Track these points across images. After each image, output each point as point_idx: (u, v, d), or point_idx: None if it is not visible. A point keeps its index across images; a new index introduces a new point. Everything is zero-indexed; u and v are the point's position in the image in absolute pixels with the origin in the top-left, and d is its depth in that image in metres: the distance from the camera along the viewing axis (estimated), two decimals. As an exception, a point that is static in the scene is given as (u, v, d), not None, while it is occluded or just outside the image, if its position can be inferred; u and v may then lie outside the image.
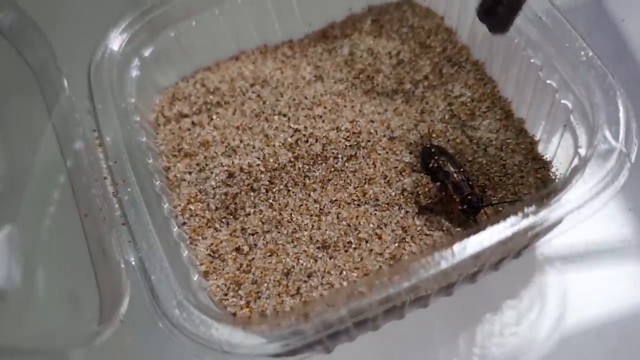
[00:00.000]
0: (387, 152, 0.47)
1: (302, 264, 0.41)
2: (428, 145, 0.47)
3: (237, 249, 0.43)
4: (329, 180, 0.46)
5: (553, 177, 0.45)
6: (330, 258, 0.41)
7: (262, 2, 0.54)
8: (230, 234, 0.44)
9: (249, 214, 0.44)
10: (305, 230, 0.43)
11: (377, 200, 0.44)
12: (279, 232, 0.43)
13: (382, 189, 0.45)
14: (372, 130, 0.48)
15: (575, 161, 0.42)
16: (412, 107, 0.50)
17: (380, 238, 0.42)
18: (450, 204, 0.44)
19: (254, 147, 0.48)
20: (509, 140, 0.47)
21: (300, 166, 0.46)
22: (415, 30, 0.55)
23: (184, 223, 0.44)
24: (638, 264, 0.47)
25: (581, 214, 0.37)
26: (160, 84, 0.53)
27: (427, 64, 0.53)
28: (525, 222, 0.35)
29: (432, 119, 0.49)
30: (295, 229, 0.43)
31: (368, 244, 0.42)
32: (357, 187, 0.45)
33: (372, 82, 0.52)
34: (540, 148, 0.47)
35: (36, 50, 0.47)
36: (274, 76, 0.53)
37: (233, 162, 0.47)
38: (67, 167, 0.43)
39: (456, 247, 0.34)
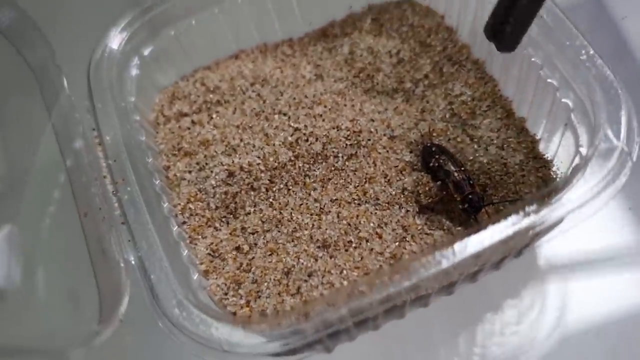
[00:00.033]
0: (387, 151, 0.47)
1: (302, 263, 0.41)
2: (429, 144, 0.47)
3: (237, 248, 0.43)
4: (330, 179, 0.45)
5: (554, 176, 0.45)
6: (331, 257, 0.41)
7: (262, 1, 0.54)
8: (230, 233, 0.43)
9: (249, 213, 0.44)
10: (306, 230, 0.43)
11: (378, 199, 0.44)
12: (279, 231, 0.43)
13: (383, 188, 0.45)
14: (372, 129, 0.48)
15: (577, 160, 0.42)
16: (412, 106, 0.50)
17: (380, 237, 0.42)
18: (451, 203, 0.44)
19: (254, 146, 0.48)
20: (509, 139, 0.47)
21: (300, 165, 0.46)
22: (416, 29, 0.55)
23: (184, 222, 0.44)
24: (638, 264, 0.47)
25: (582, 213, 0.37)
26: (160, 83, 0.53)
27: (428, 63, 0.53)
28: (526, 221, 0.35)
29: (432, 118, 0.49)
30: (295, 228, 0.43)
31: (368, 243, 0.42)
32: (358, 186, 0.45)
33: (372, 81, 0.52)
34: (541, 147, 0.47)
35: (36, 50, 0.47)
36: (274, 75, 0.53)
37: (233, 161, 0.47)
38: (66, 166, 0.43)
39: (457, 246, 0.34)
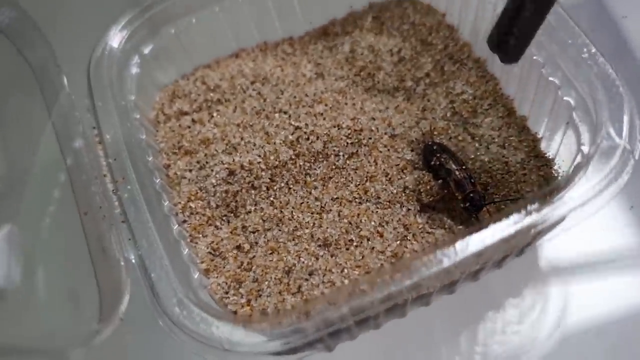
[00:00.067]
0: (388, 150, 0.47)
1: (303, 262, 0.41)
2: (430, 143, 0.47)
3: (238, 247, 0.42)
4: (330, 178, 0.45)
5: (555, 175, 0.45)
6: (332, 256, 0.41)
7: (263, 0, 0.54)
8: (230, 232, 0.43)
9: (250, 212, 0.44)
10: (307, 228, 0.43)
11: (379, 198, 0.44)
12: (280, 230, 0.43)
13: (384, 186, 0.45)
14: (373, 128, 0.48)
15: (578, 158, 0.41)
16: (413, 105, 0.50)
17: (381, 236, 0.42)
18: (452, 202, 0.44)
19: (254, 145, 0.48)
20: (511, 138, 0.47)
21: (301, 164, 0.46)
22: (417, 27, 0.55)
23: (185, 221, 0.44)
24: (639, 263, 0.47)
25: (584, 211, 0.37)
26: (160, 82, 0.53)
27: (429, 62, 0.52)
28: (528, 220, 0.35)
29: (433, 117, 0.49)
30: (296, 226, 0.43)
31: (369, 242, 0.42)
32: (359, 184, 0.45)
33: (373, 80, 0.52)
34: (542, 145, 0.47)
35: (36, 49, 0.47)
36: (275, 74, 0.53)
37: (234, 160, 0.47)
38: (66, 165, 0.43)
39: (458, 245, 0.34)
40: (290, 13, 0.55)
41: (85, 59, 0.47)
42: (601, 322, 0.44)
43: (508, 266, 0.43)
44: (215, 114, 0.50)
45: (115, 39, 0.48)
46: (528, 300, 0.45)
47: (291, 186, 0.45)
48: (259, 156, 0.47)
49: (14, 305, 0.40)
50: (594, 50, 0.42)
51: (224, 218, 0.44)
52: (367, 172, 0.45)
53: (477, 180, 0.44)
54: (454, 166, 0.44)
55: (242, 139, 0.48)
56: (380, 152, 0.47)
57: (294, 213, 0.44)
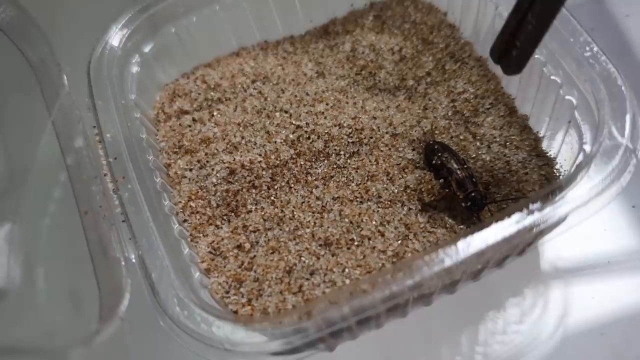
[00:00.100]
0: (389, 149, 0.47)
1: (304, 262, 0.41)
2: (431, 142, 0.46)
3: (239, 247, 0.42)
4: (331, 177, 0.45)
5: (557, 174, 0.45)
6: (333, 255, 0.41)
7: (263, -2, 0.54)
8: (231, 231, 0.43)
9: (251, 211, 0.44)
10: (308, 228, 0.43)
11: (380, 197, 0.44)
12: (280, 230, 0.43)
13: (385, 186, 0.44)
14: (374, 127, 0.48)
15: (580, 158, 0.41)
16: (414, 104, 0.50)
17: (383, 235, 0.42)
18: (453, 201, 0.44)
19: (255, 144, 0.47)
20: (512, 137, 0.47)
21: (302, 163, 0.46)
22: (418, 26, 0.55)
23: (185, 220, 0.44)
24: (641, 262, 0.47)
25: (586, 211, 0.36)
26: (161, 80, 0.53)
27: (430, 60, 0.52)
28: (530, 219, 0.35)
29: (435, 116, 0.49)
30: (297, 226, 0.43)
31: (371, 242, 0.42)
32: (360, 184, 0.45)
33: (374, 79, 0.52)
34: (544, 144, 0.47)
35: (36, 47, 0.47)
36: (275, 72, 0.53)
37: (234, 159, 0.47)
38: (67, 164, 0.42)
39: (460, 244, 0.34)
40: (291, 12, 0.55)
41: (86, 57, 0.47)
42: (603, 322, 0.44)
43: (509, 266, 0.43)
44: (215, 113, 0.50)
45: (116, 37, 0.48)
46: (529, 300, 0.45)
47: (292, 185, 0.45)
48: (260, 155, 0.47)
49: (14, 305, 0.40)
50: (596, 48, 0.42)
51: (224, 217, 0.44)
52: (369, 172, 0.45)
53: (479, 180, 0.44)
54: (455, 165, 0.44)
55: (242, 138, 0.48)
56: (382, 151, 0.46)
57: (294, 212, 0.43)
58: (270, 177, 0.45)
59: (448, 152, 0.45)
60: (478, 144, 0.47)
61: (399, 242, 0.41)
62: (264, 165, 0.46)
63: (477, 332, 0.44)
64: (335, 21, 0.57)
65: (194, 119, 0.50)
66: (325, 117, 0.48)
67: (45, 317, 0.41)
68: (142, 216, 0.40)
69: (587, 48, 0.42)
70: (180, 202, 0.45)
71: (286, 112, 0.49)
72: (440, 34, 0.54)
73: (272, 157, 0.46)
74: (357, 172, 0.45)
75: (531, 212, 0.35)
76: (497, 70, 0.51)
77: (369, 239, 0.42)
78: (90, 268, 0.38)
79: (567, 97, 0.43)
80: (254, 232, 0.43)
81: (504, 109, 0.49)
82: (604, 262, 0.47)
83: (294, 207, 0.44)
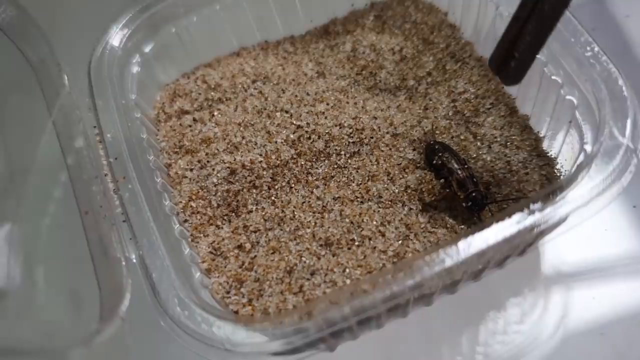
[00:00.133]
0: (390, 149, 0.46)
1: (305, 262, 0.41)
2: (432, 142, 0.46)
3: (239, 247, 0.42)
4: (332, 177, 0.45)
5: (558, 174, 0.45)
6: (334, 256, 0.41)
7: (264, -2, 0.54)
8: (232, 232, 0.43)
9: (251, 211, 0.44)
10: (308, 228, 0.43)
11: (381, 197, 0.44)
12: (281, 230, 0.43)
13: (386, 186, 0.44)
14: (375, 127, 0.48)
15: (581, 158, 0.41)
16: (415, 104, 0.50)
17: (383, 235, 0.42)
18: (454, 201, 0.44)
19: (256, 144, 0.47)
20: (513, 137, 0.47)
21: (302, 163, 0.46)
22: (419, 26, 0.55)
23: (186, 220, 0.44)
24: (642, 262, 0.47)
25: (586, 211, 0.36)
26: (161, 80, 0.53)
27: (431, 60, 0.52)
28: (530, 220, 0.35)
29: (435, 116, 0.49)
30: (297, 226, 0.43)
31: (371, 242, 0.41)
32: (360, 184, 0.45)
33: (374, 79, 0.52)
34: (545, 144, 0.47)
35: (36, 47, 0.47)
36: (276, 72, 0.52)
37: (235, 159, 0.47)
38: (67, 164, 0.42)
39: (460, 244, 0.34)
40: (291, 12, 0.55)
41: (86, 57, 0.47)
42: (603, 322, 0.44)
43: (510, 266, 0.43)
44: (216, 113, 0.50)
45: (116, 37, 0.48)
46: (530, 300, 0.45)
47: (293, 185, 0.45)
48: (261, 155, 0.47)
49: (14, 305, 0.40)
50: (597, 48, 0.42)
51: (225, 217, 0.44)
52: (369, 172, 0.45)
53: (479, 180, 0.44)
54: (455, 165, 0.44)
55: (243, 138, 0.48)
56: (382, 151, 0.46)
57: (295, 212, 0.43)
58: (270, 177, 0.45)
59: (449, 152, 0.45)
60: (479, 144, 0.47)
61: (400, 242, 0.41)
62: (264, 165, 0.46)
63: (478, 332, 0.44)
64: (336, 21, 0.57)
65: (194, 119, 0.50)
66: (325, 117, 0.48)
67: (46, 317, 0.41)
68: (142, 216, 0.40)
69: (588, 48, 0.42)
70: (181, 202, 0.45)
71: (287, 112, 0.49)
72: (440, 34, 0.54)
73: (273, 157, 0.46)
74: (357, 172, 0.45)
75: (532, 213, 0.35)
76: (498, 70, 0.51)
77: (370, 239, 0.42)
78: (90, 268, 0.38)
79: (568, 97, 0.43)
80: (255, 232, 0.43)
81: (504, 109, 0.49)
82: (604, 262, 0.47)
83: (294, 207, 0.44)
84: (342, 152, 0.46)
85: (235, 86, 0.52)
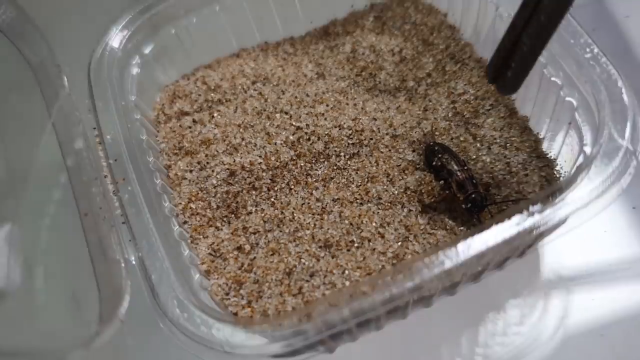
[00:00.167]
0: (390, 150, 0.46)
1: (304, 264, 0.41)
2: (431, 143, 0.46)
3: (239, 248, 0.42)
4: (332, 178, 0.45)
5: (557, 176, 0.45)
6: (333, 257, 0.41)
7: (264, -1, 0.54)
8: (231, 233, 0.43)
9: (251, 213, 0.44)
10: (307, 229, 0.43)
11: (380, 198, 0.44)
12: (280, 231, 0.43)
13: (385, 187, 0.44)
14: (374, 128, 0.48)
15: (580, 159, 0.41)
16: (415, 105, 0.50)
17: (383, 237, 0.42)
18: (453, 203, 0.44)
19: (255, 145, 0.47)
20: (513, 138, 0.47)
21: (302, 164, 0.46)
22: (418, 27, 0.55)
23: (185, 222, 0.44)
24: (642, 263, 0.47)
25: (586, 213, 0.36)
26: (161, 82, 0.53)
27: (430, 61, 0.52)
28: (530, 221, 0.35)
29: (435, 117, 0.49)
30: (297, 227, 0.43)
31: (371, 243, 0.41)
32: (360, 185, 0.45)
33: (374, 80, 0.52)
34: (544, 146, 0.47)
35: (35, 48, 0.47)
36: (276, 74, 0.52)
37: (234, 160, 0.47)
38: (67, 166, 0.42)
39: (460, 246, 0.34)
40: (291, 13, 0.55)
41: (86, 59, 0.47)
42: (603, 323, 0.44)
43: (509, 267, 0.43)
44: (216, 114, 0.50)
45: (116, 39, 0.48)
46: (529, 302, 0.45)
47: (292, 187, 0.45)
48: (260, 157, 0.47)
49: (13, 307, 0.40)
50: (596, 50, 0.42)
51: (224, 219, 0.44)
52: (369, 173, 0.45)
53: (479, 181, 0.44)
54: (455, 167, 0.44)
55: (243, 139, 0.48)
56: (382, 152, 0.46)
57: (294, 214, 0.43)
58: (270, 179, 0.45)
59: (448, 154, 0.45)
60: (478, 145, 0.47)
61: (399, 243, 0.41)
62: (264, 167, 0.46)
63: (477, 333, 0.44)
64: (336, 22, 0.57)
65: (194, 120, 0.50)
66: (325, 119, 0.48)
67: (46, 318, 0.41)
68: (142, 218, 0.40)
69: (588, 49, 0.42)
70: (181, 203, 0.45)
71: (286, 113, 0.49)
72: (440, 35, 0.54)
73: (272, 158, 0.46)
74: (357, 173, 0.45)
75: (531, 214, 0.35)
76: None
77: (369, 240, 0.42)
78: (90, 269, 0.38)
79: (568, 98, 0.43)
80: (254, 233, 0.43)
81: (504, 110, 0.49)
82: (604, 263, 0.47)
83: (294, 208, 0.44)
84: (342, 154, 0.46)
85: (235, 87, 0.52)
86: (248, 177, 0.46)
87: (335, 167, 0.46)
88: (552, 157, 0.46)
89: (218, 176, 0.46)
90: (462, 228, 0.43)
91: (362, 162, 0.46)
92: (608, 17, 0.60)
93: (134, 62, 0.50)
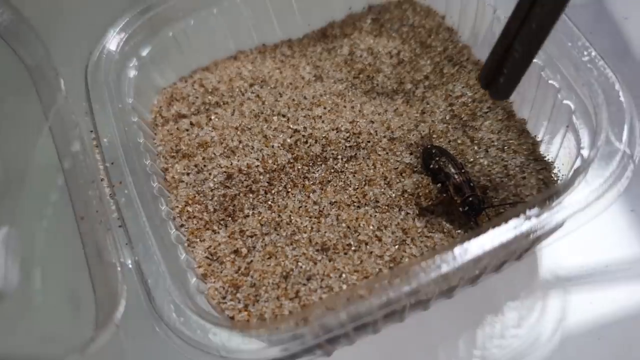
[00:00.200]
0: (387, 153, 0.46)
1: (301, 267, 0.41)
2: (429, 146, 0.46)
3: (236, 252, 0.42)
4: (329, 181, 0.45)
5: (555, 179, 0.45)
6: (330, 261, 0.41)
7: (261, 1, 0.54)
8: (228, 236, 0.43)
9: (248, 216, 0.44)
10: (305, 233, 0.42)
11: (377, 201, 0.44)
12: (277, 234, 0.43)
13: (382, 190, 0.44)
14: (372, 131, 0.48)
15: (578, 162, 0.41)
16: (412, 108, 0.50)
17: (380, 240, 0.42)
18: (451, 206, 0.44)
19: (252, 148, 0.47)
20: (510, 141, 0.47)
21: (299, 167, 0.46)
22: (416, 29, 0.55)
23: (182, 225, 0.44)
24: (640, 266, 0.47)
25: (584, 216, 0.36)
26: (158, 84, 0.53)
27: (428, 64, 0.52)
28: (527, 225, 0.35)
29: (432, 120, 0.49)
30: (294, 231, 0.43)
31: (368, 247, 0.41)
32: (357, 188, 0.45)
33: (372, 82, 0.51)
34: (542, 149, 0.47)
35: (32, 51, 0.47)
36: (273, 76, 0.52)
37: (232, 163, 0.47)
38: (64, 169, 0.42)
39: (457, 250, 0.34)
40: (289, 15, 0.55)
41: (83, 61, 0.47)
42: (601, 326, 0.44)
43: (507, 270, 0.43)
44: (213, 117, 0.50)
45: (113, 41, 0.48)
46: (527, 304, 0.45)
47: (289, 190, 0.45)
48: (257, 160, 0.47)
49: (9, 312, 0.40)
50: (594, 53, 0.42)
51: (221, 222, 0.44)
52: (366, 176, 0.45)
53: (476, 184, 0.44)
54: (452, 170, 0.44)
55: (240, 142, 0.48)
56: (379, 155, 0.46)
57: (292, 217, 0.43)
58: (267, 182, 0.45)
59: (446, 156, 0.45)
60: (476, 148, 0.47)
61: (396, 247, 0.41)
62: (261, 170, 0.46)
63: (475, 335, 0.44)
64: (334, 24, 0.57)
65: (191, 123, 0.50)
66: (322, 121, 0.48)
67: (42, 321, 0.41)
68: (138, 221, 0.40)
69: (585, 52, 0.42)
70: (177, 206, 0.45)
71: (284, 116, 0.49)
72: (438, 37, 0.54)
73: (270, 161, 0.46)
74: (354, 176, 0.45)
75: (529, 218, 0.35)
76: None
77: (366, 243, 0.42)
78: (86, 274, 0.38)
79: (565, 101, 0.43)
80: (251, 237, 0.43)
81: (502, 112, 0.49)
82: (602, 266, 0.47)
83: (291, 211, 0.44)
84: (339, 157, 0.46)
85: (232, 90, 0.52)
86: (245, 180, 0.46)
87: (332, 170, 0.46)
88: (549, 160, 0.46)
89: (215, 179, 0.46)
90: (459, 231, 0.43)
91: (359, 165, 0.46)
92: (607, 18, 0.60)
93: (131, 65, 0.49)
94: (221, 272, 0.41)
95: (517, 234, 0.34)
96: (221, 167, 0.46)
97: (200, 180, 0.46)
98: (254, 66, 0.53)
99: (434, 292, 0.38)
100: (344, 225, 0.43)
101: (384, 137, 0.47)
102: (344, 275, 0.40)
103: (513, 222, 0.35)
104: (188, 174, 0.47)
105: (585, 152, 0.41)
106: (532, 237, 0.35)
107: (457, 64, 0.52)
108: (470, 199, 0.42)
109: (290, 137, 0.48)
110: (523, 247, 0.40)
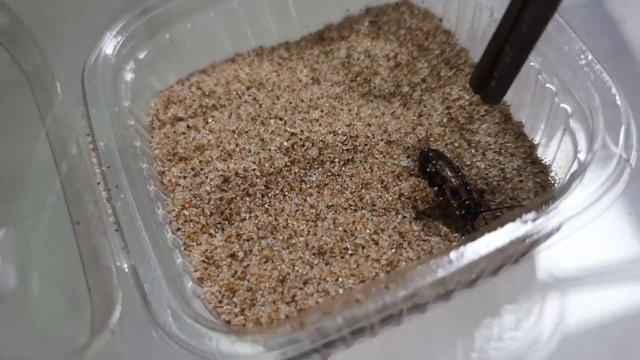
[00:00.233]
0: (384, 156, 0.46)
1: (297, 271, 0.41)
2: (426, 149, 0.46)
3: (232, 255, 0.42)
4: (326, 184, 0.45)
5: (552, 182, 0.45)
6: (326, 264, 0.41)
7: (259, 4, 0.54)
8: (225, 240, 0.43)
9: (244, 220, 0.44)
10: (301, 236, 0.42)
11: (374, 205, 0.44)
12: (274, 238, 0.43)
13: (379, 193, 0.44)
14: (369, 134, 0.48)
15: (575, 166, 0.41)
16: (409, 111, 0.49)
17: (377, 244, 0.42)
18: (448, 209, 0.44)
19: (249, 151, 0.47)
20: (507, 144, 0.47)
21: (296, 170, 0.46)
22: (413, 32, 0.55)
23: (179, 229, 0.44)
24: (637, 270, 0.47)
25: (580, 220, 0.36)
26: (155, 87, 0.53)
27: (425, 67, 0.52)
28: (524, 229, 0.35)
29: (430, 123, 0.49)
30: (291, 234, 0.43)
31: (364, 250, 0.41)
32: (354, 191, 0.45)
33: (369, 85, 0.51)
34: (539, 152, 0.47)
35: (29, 55, 0.47)
36: (270, 79, 0.52)
37: (228, 167, 0.46)
38: (60, 173, 0.42)
39: (453, 255, 0.34)
40: (286, 17, 0.55)
41: (79, 65, 0.47)
42: (600, 327, 0.44)
43: (504, 273, 0.43)
44: (210, 120, 0.50)
45: (110, 44, 0.48)
46: (525, 307, 0.45)
47: (286, 193, 0.45)
48: (254, 163, 0.47)
49: (6, 315, 0.40)
50: (590, 57, 0.42)
51: (218, 226, 0.44)
52: (363, 179, 0.45)
53: (473, 187, 0.44)
54: (449, 173, 0.44)
55: (237, 145, 0.48)
56: (376, 158, 0.46)
57: (288, 221, 0.43)
58: (264, 185, 0.45)
59: (442, 160, 0.45)
60: (473, 151, 0.47)
61: (393, 250, 0.41)
62: (258, 173, 0.46)
63: (473, 338, 0.44)
64: (331, 27, 0.56)
65: (188, 126, 0.50)
66: (319, 124, 0.48)
67: (39, 324, 0.41)
68: (135, 225, 0.40)
69: (582, 56, 0.42)
70: (174, 210, 0.45)
71: (281, 119, 0.49)
72: (435, 40, 0.54)
73: (267, 164, 0.46)
74: (351, 179, 0.45)
75: (526, 222, 0.35)
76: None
77: (363, 247, 0.41)
78: (82, 278, 0.38)
79: (562, 105, 0.43)
80: (248, 240, 0.43)
81: (499, 116, 0.49)
82: (600, 269, 0.46)
83: (287, 215, 0.44)
84: (336, 160, 0.46)
85: (229, 93, 0.52)
86: (242, 183, 0.46)
87: (329, 174, 0.46)
88: (546, 163, 0.46)
89: (212, 182, 0.46)
90: (456, 234, 0.43)
91: (356, 168, 0.46)
92: (604, 21, 0.60)
93: (128, 68, 0.49)
94: (217, 276, 0.41)
95: (513, 238, 0.34)
96: (218, 171, 0.46)
97: (197, 184, 0.46)
98: (251, 69, 0.53)
99: (430, 296, 0.38)
100: (340, 228, 0.43)
101: (381, 140, 0.47)
102: (340, 279, 0.40)
103: (510, 226, 0.35)
104: (185, 178, 0.46)
105: (582, 156, 0.41)
106: (529, 241, 0.35)
107: (454, 66, 0.52)
108: (467, 202, 0.42)
109: (287, 140, 0.47)
110: (520, 251, 0.40)
